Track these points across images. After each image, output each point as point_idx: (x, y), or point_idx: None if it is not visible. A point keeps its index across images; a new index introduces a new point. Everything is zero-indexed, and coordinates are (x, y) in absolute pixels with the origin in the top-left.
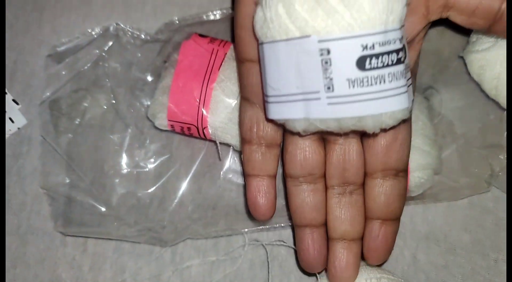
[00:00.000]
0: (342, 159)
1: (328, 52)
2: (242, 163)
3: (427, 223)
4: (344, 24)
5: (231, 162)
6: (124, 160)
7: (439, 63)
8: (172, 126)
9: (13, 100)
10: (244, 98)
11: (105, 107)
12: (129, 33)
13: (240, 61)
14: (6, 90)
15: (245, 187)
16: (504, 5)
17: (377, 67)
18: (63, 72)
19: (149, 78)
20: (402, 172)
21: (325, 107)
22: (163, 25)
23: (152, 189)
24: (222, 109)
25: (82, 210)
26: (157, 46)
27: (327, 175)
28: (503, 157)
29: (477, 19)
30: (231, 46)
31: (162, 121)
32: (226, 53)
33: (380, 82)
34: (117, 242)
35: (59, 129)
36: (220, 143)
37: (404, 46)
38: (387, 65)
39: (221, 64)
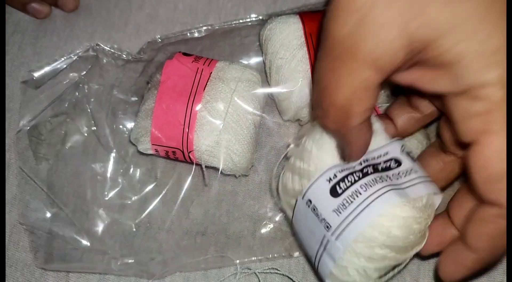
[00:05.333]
0: None
1: (310, 201)
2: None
3: None
4: (309, 175)
5: (219, 186)
6: (108, 188)
7: None
8: (156, 150)
9: None
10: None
11: (86, 134)
12: (110, 54)
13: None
14: None
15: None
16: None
17: (347, 188)
18: (42, 97)
19: (133, 99)
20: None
21: (336, 243)
22: (145, 44)
23: (141, 218)
24: (208, 132)
25: (64, 244)
26: (140, 66)
27: None
28: None
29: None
30: (217, 65)
31: (146, 146)
32: (211, 73)
33: (357, 195)
34: (101, 275)
35: (39, 156)
36: (206, 167)
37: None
38: (354, 181)
39: (206, 84)
